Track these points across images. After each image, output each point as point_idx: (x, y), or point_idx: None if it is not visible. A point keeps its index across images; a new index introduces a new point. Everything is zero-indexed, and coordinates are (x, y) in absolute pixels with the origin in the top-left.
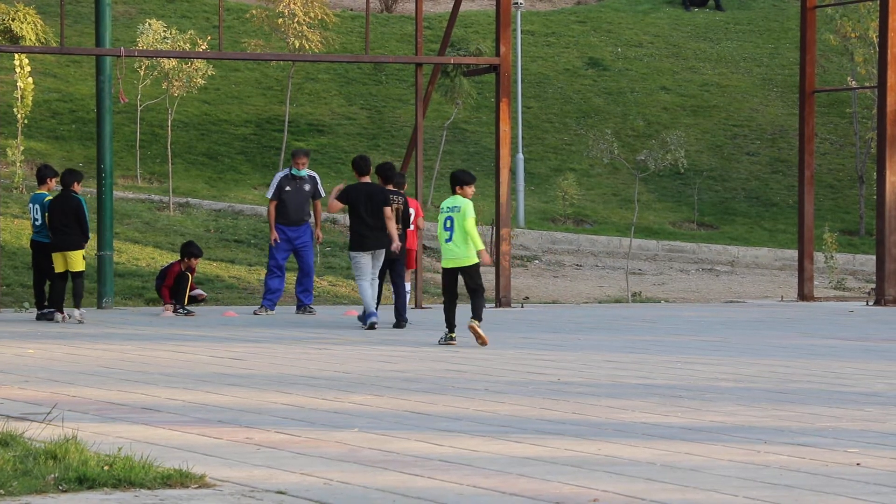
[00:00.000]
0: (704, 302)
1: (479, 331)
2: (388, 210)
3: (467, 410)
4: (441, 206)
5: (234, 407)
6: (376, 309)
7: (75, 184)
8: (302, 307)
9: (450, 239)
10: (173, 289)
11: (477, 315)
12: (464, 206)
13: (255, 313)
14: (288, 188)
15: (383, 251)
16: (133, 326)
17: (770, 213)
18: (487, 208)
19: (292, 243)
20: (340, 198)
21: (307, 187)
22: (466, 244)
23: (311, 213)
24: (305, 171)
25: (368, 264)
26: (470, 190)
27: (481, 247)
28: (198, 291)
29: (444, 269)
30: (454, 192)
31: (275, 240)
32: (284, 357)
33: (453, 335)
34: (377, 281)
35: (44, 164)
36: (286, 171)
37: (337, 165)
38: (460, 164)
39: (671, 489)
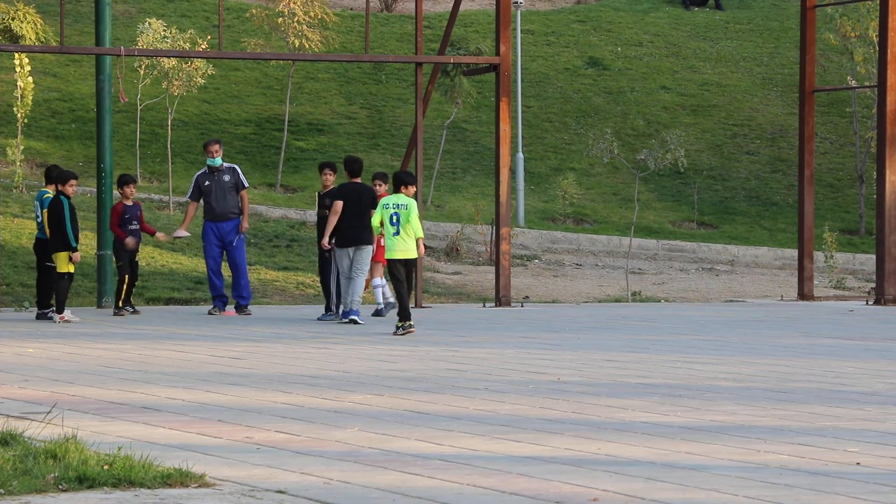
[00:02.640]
0: (704, 301)
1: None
2: (372, 212)
3: (467, 410)
4: (386, 203)
5: (234, 406)
6: (335, 308)
7: (64, 185)
8: (240, 308)
9: (397, 233)
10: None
11: (408, 315)
12: (410, 203)
13: (209, 313)
14: (207, 183)
15: (365, 248)
16: (133, 326)
17: (770, 212)
18: (487, 208)
19: (223, 241)
20: (336, 197)
21: (227, 178)
22: (410, 238)
23: (238, 206)
24: (221, 161)
25: (345, 261)
26: (412, 189)
27: (422, 235)
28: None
29: (392, 261)
30: (397, 191)
31: (176, 237)
32: (284, 356)
33: (411, 322)
34: (362, 279)
35: (53, 165)
36: (203, 170)
37: (337, 165)
38: (460, 163)
39: (671, 488)
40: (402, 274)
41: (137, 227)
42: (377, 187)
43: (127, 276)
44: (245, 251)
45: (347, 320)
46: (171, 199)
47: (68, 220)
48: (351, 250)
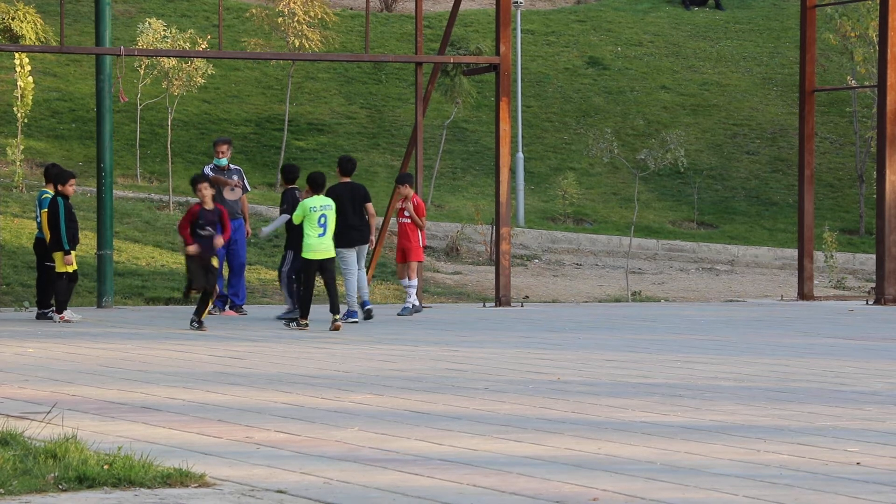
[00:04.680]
0: (704, 301)
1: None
2: (370, 206)
3: (467, 409)
4: (312, 205)
5: (233, 406)
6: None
7: (64, 185)
8: (235, 307)
9: (323, 234)
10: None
11: (337, 309)
12: (333, 204)
13: (209, 313)
14: None
15: (365, 246)
16: (133, 325)
17: (770, 212)
18: (487, 207)
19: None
20: (330, 197)
21: (234, 178)
22: (331, 239)
23: (241, 209)
24: (226, 161)
25: (354, 260)
26: (408, 189)
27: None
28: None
29: (310, 261)
30: (317, 193)
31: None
32: (284, 356)
33: (307, 322)
34: (363, 272)
35: (52, 164)
36: (209, 166)
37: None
38: (460, 163)
39: (671, 488)
40: (314, 274)
41: (211, 233)
42: (404, 189)
43: (203, 288)
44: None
45: (352, 320)
46: (171, 198)
47: (62, 221)
48: (355, 249)
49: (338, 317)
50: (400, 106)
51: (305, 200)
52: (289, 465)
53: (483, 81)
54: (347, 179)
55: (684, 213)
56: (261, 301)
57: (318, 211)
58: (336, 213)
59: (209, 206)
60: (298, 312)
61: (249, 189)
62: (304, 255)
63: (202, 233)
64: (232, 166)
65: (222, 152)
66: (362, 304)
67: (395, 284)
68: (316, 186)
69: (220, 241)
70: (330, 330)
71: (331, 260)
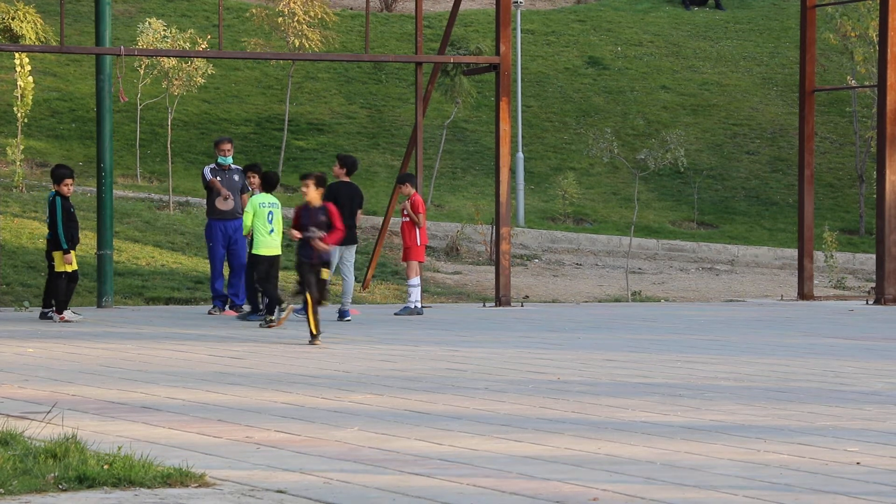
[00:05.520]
0: (704, 301)
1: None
2: (360, 214)
3: (467, 409)
4: (262, 202)
5: (234, 406)
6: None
7: (59, 184)
8: (235, 307)
9: (272, 230)
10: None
11: (273, 310)
12: (279, 203)
13: (209, 313)
14: (218, 178)
15: (352, 247)
16: (133, 325)
17: (770, 212)
18: (487, 207)
19: (228, 240)
20: (328, 197)
21: (237, 178)
22: (280, 236)
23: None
24: (231, 160)
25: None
26: (408, 188)
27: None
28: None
29: (263, 257)
30: (267, 192)
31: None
32: (284, 356)
33: (273, 318)
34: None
35: (57, 165)
36: (210, 166)
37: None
38: (460, 162)
39: (671, 488)
40: (269, 270)
41: (314, 235)
42: (405, 189)
43: (310, 301)
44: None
45: (346, 319)
46: (171, 198)
47: (60, 221)
48: (343, 249)
49: (272, 317)
50: (400, 106)
51: (254, 197)
52: (289, 465)
53: (483, 81)
54: (348, 179)
55: (684, 213)
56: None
57: (267, 208)
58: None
59: (316, 203)
60: (267, 310)
61: (250, 189)
62: (255, 252)
63: (305, 234)
64: (233, 166)
65: (227, 150)
66: (346, 311)
67: (395, 284)
68: (268, 185)
69: (321, 243)
70: (262, 327)
71: (278, 258)
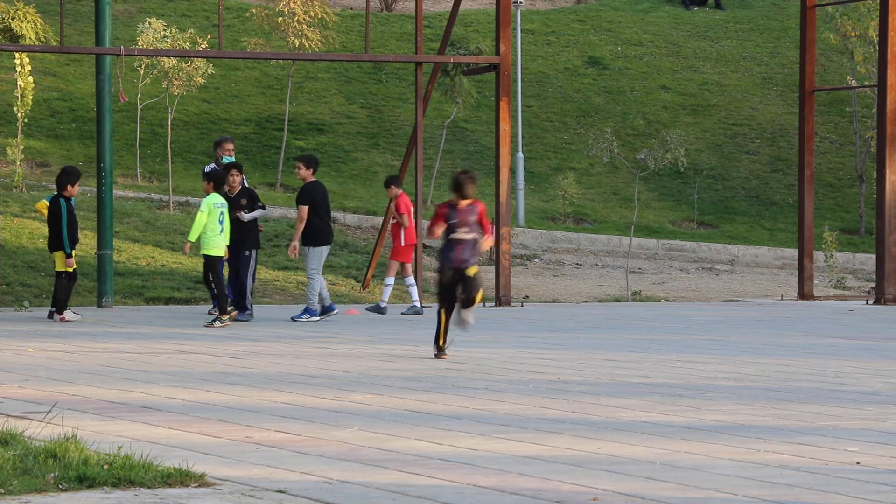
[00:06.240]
0: (704, 301)
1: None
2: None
3: (467, 409)
4: (216, 202)
5: (234, 406)
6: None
7: (68, 186)
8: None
9: (222, 230)
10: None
11: (225, 309)
12: (227, 205)
13: (209, 313)
14: None
15: (328, 247)
16: (133, 325)
17: (770, 211)
18: (488, 207)
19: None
20: (310, 197)
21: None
22: (227, 236)
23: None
24: (230, 160)
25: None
26: (395, 190)
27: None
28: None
29: (215, 257)
30: (217, 191)
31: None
32: (284, 356)
33: (226, 318)
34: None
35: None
36: (210, 166)
37: (337, 164)
38: (460, 162)
39: (671, 488)
40: (219, 270)
41: (470, 237)
42: (390, 191)
43: (444, 309)
44: None
45: (320, 318)
46: (171, 198)
47: (65, 224)
48: (324, 249)
49: (225, 317)
50: (400, 106)
51: (209, 198)
52: (289, 465)
53: (483, 81)
54: (314, 178)
55: (684, 213)
56: (261, 301)
57: (219, 208)
58: (312, 212)
59: (466, 203)
60: (219, 310)
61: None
62: (208, 252)
63: (457, 236)
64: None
65: (230, 150)
66: (329, 307)
67: (395, 284)
68: (219, 185)
69: (487, 242)
70: (206, 326)
71: (222, 257)
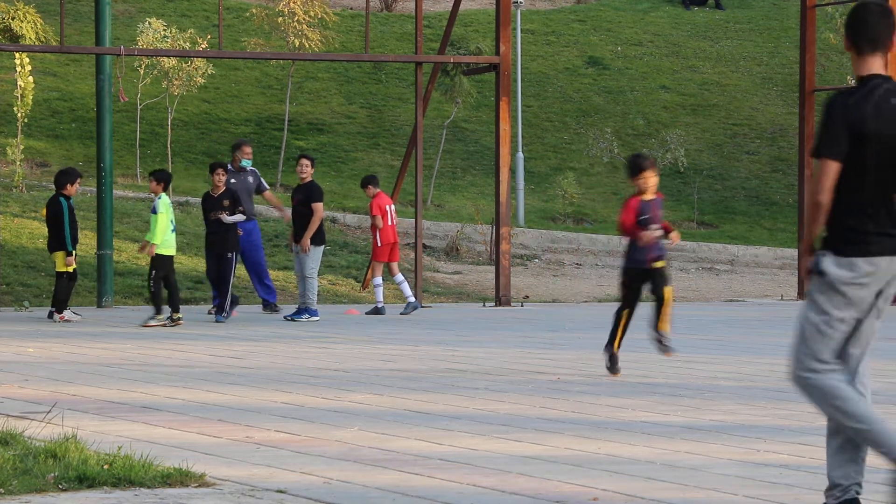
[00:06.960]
0: (704, 301)
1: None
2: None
3: (467, 409)
4: (168, 203)
5: (233, 405)
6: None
7: (68, 185)
8: (269, 306)
9: (174, 230)
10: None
11: (178, 308)
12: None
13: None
14: (233, 181)
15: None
16: (133, 325)
17: (770, 211)
18: (487, 207)
19: (243, 241)
20: (320, 198)
21: (251, 179)
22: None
23: (252, 208)
24: (249, 163)
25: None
26: (372, 190)
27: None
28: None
29: (168, 257)
30: (165, 191)
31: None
32: (284, 355)
33: (180, 316)
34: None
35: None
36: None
37: (337, 164)
38: (460, 162)
39: (671, 488)
40: (170, 269)
41: (659, 231)
42: (367, 192)
43: (626, 314)
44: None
45: (314, 318)
46: (171, 198)
47: (66, 223)
48: (322, 248)
49: (179, 315)
50: (400, 106)
51: (165, 198)
52: (289, 465)
53: (483, 81)
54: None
55: (684, 212)
56: (260, 301)
57: (172, 208)
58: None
59: (650, 196)
60: (173, 309)
61: (267, 187)
62: (164, 253)
63: (653, 232)
64: (248, 168)
65: (248, 153)
66: (314, 311)
67: (394, 284)
68: (167, 185)
69: (676, 236)
70: (167, 326)
71: (173, 257)
